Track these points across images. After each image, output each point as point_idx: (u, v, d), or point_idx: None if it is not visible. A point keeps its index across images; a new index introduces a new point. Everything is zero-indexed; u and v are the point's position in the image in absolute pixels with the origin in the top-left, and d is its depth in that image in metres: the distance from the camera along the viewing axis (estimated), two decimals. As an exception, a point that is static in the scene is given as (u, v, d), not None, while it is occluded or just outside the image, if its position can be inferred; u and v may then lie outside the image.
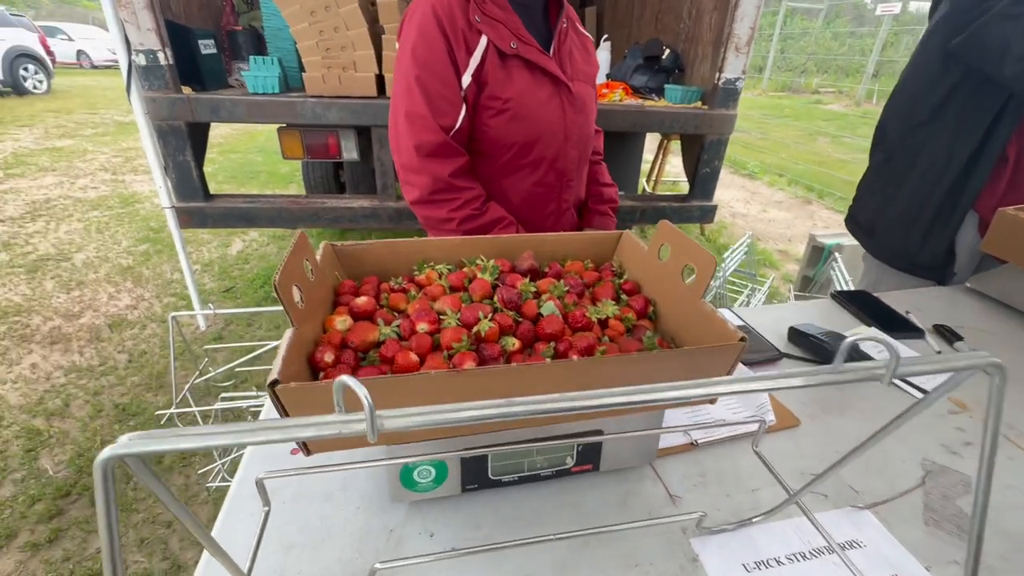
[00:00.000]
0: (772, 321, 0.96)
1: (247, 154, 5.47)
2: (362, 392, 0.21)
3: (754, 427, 0.70)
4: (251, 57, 1.95)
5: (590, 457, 0.60)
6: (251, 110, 1.90)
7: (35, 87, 8.63)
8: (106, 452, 0.20)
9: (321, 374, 0.49)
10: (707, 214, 2.39)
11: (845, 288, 1.99)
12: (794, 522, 0.57)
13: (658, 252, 0.65)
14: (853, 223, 1.44)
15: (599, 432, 0.58)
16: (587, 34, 1.12)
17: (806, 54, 13.26)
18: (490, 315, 0.56)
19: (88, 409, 1.89)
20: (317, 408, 0.42)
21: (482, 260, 0.67)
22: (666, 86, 2.30)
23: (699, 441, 0.67)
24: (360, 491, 0.58)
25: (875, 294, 1.11)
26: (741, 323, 0.95)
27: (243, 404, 1.44)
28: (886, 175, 1.31)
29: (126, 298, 2.65)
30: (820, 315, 1.03)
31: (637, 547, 0.54)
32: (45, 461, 1.66)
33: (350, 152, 2.15)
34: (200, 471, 1.60)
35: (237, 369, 1.48)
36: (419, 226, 1.04)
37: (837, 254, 2.29)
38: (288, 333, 0.46)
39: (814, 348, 0.86)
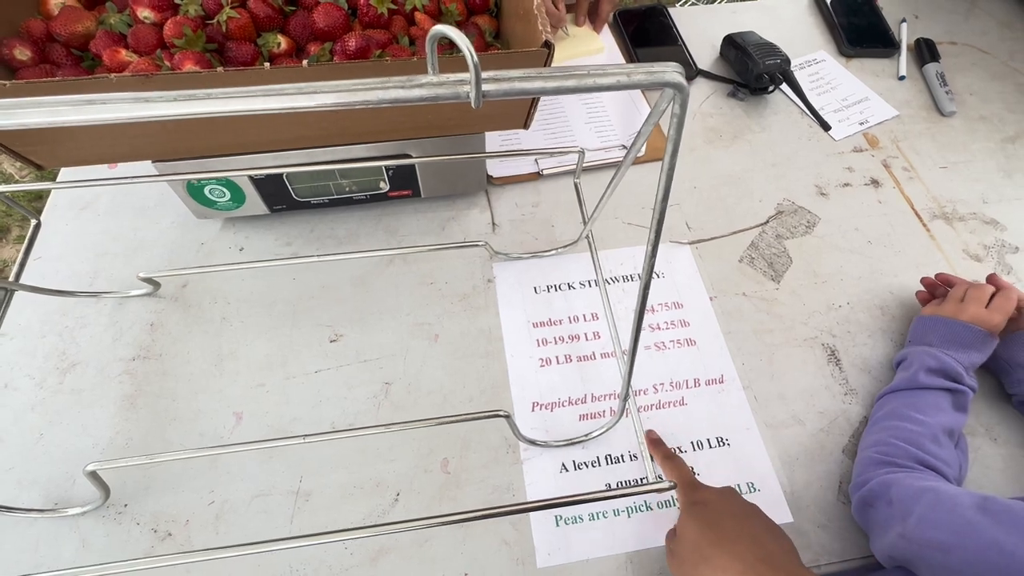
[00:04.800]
0: (723, 28, 0.76)
1: None
2: None
3: (617, 156, 0.63)
4: None
5: (407, 183, 0.56)
6: None
7: None
8: None
9: (16, 73, 0.41)
10: None
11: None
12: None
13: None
14: None
15: (406, 156, 0.52)
16: None
17: None
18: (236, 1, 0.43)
19: None
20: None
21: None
22: None
23: (544, 171, 0.61)
24: (175, 207, 0.57)
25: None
26: (671, 29, 0.76)
27: None
28: None
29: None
30: (789, 19, 0.81)
31: (439, 267, 0.55)
32: None
33: None
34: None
35: None
36: None
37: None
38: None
39: (741, 65, 0.71)
